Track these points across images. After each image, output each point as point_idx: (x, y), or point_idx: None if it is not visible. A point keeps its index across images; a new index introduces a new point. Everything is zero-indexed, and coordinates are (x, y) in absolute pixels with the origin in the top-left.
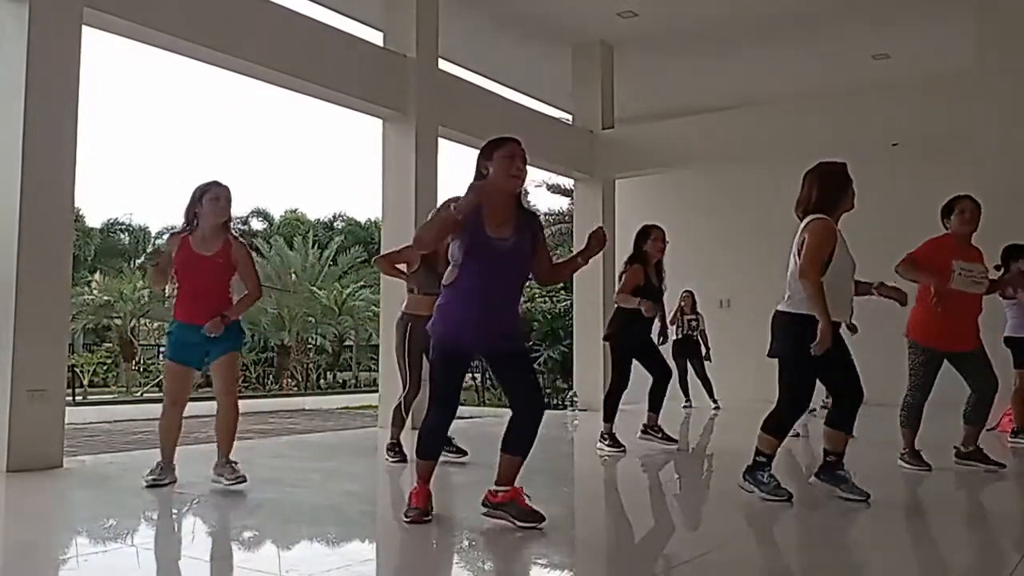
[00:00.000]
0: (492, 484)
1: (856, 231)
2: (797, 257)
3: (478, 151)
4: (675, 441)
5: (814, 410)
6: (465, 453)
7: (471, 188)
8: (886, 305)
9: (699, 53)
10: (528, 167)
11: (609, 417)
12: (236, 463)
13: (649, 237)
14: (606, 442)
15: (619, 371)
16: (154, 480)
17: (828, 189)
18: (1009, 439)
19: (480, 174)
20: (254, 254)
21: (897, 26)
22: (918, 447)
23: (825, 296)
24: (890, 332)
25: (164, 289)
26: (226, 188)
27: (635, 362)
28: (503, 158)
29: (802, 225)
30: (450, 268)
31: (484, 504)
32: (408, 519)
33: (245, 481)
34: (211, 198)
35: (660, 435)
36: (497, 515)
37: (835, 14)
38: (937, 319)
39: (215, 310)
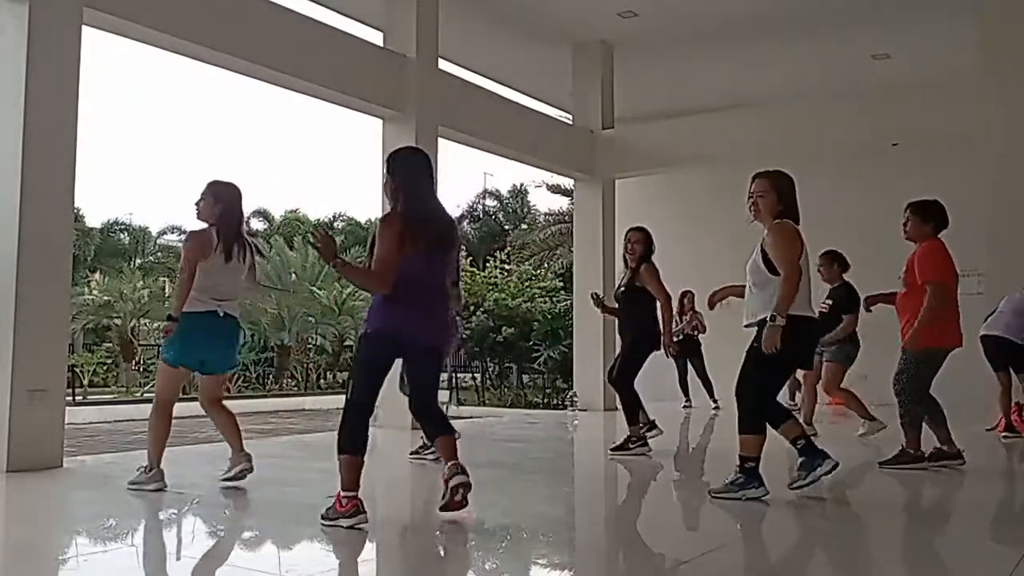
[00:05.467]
0: (489, 484)
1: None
2: None
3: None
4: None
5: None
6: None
7: None
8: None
9: (699, 53)
10: (528, 167)
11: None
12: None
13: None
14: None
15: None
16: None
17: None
18: (1002, 436)
19: None
20: (256, 255)
21: (897, 26)
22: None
23: None
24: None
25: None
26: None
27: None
28: None
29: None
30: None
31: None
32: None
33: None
34: None
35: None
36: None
37: (835, 14)
38: (944, 321)
39: None
